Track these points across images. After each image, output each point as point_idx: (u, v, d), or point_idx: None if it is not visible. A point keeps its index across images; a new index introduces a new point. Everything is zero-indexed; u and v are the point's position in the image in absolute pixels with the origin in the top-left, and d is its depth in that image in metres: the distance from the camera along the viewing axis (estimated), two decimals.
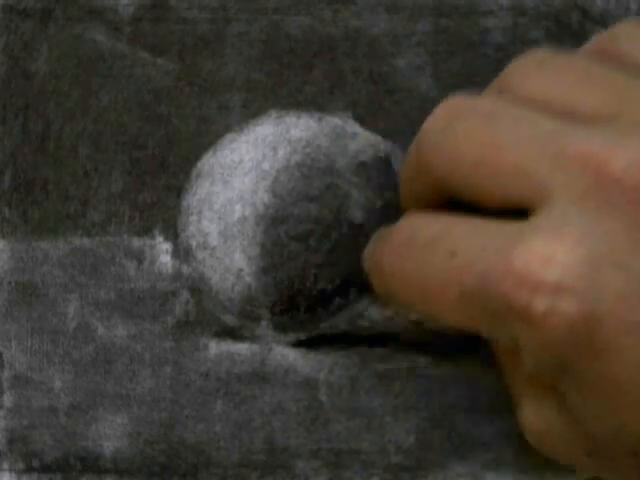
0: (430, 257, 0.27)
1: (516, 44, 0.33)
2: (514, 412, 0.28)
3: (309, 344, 0.32)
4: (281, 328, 0.32)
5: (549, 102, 0.27)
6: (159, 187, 0.32)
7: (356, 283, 0.32)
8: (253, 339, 0.32)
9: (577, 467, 0.28)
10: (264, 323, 0.32)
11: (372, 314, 0.32)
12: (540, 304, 0.24)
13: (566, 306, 0.24)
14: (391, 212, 0.32)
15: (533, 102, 0.27)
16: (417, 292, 0.27)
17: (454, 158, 0.27)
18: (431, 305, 0.27)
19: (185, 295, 0.32)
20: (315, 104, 0.32)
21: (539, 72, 0.27)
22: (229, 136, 0.32)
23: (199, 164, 0.32)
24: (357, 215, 0.31)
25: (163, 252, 0.32)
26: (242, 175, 0.32)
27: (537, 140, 0.26)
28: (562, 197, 0.25)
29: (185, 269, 0.32)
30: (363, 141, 0.32)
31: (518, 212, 0.26)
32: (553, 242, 0.24)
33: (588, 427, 0.26)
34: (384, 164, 0.32)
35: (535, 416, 0.27)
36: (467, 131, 0.26)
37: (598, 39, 0.29)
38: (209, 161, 0.32)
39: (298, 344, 0.32)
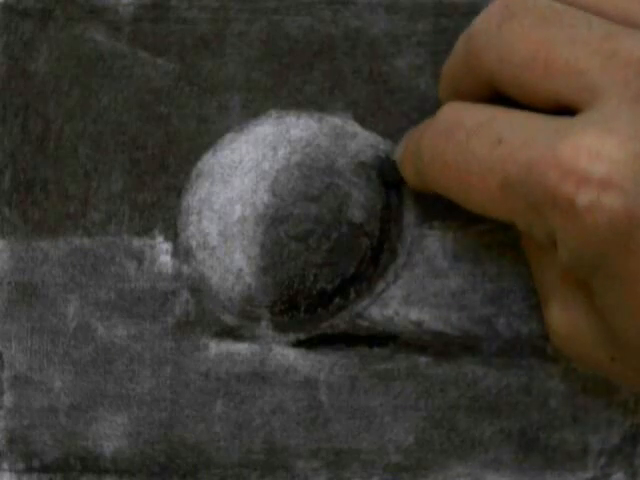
0: (474, 144, 0.27)
1: None
2: (542, 312, 0.28)
3: (309, 344, 0.32)
4: (281, 328, 0.32)
5: (603, 9, 0.27)
6: (159, 187, 0.32)
7: (356, 283, 0.32)
8: (253, 339, 0.32)
9: (598, 371, 0.28)
10: (264, 323, 0.32)
11: (372, 314, 0.32)
12: (584, 197, 0.24)
13: (610, 202, 0.24)
14: (391, 212, 0.32)
15: (587, 9, 0.27)
16: (457, 179, 0.27)
17: (506, 55, 0.27)
18: (470, 193, 0.27)
19: (185, 295, 0.32)
20: (315, 104, 0.32)
21: None
22: (229, 136, 0.32)
23: (199, 164, 0.32)
24: (357, 215, 0.31)
25: (163, 252, 0.32)
26: (242, 175, 0.32)
27: (591, 40, 0.26)
28: (614, 96, 0.25)
29: (185, 269, 0.32)
30: (363, 141, 0.32)
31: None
32: (602, 137, 0.24)
33: (615, 328, 0.26)
34: (384, 164, 0.32)
35: (563, 316, 0.27)
36: (521, 29, 0.26)
37: None
38: (209, 161, 0.32)
39: (298, 344, 0.32)
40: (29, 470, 0.32)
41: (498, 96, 0.28)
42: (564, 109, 0.26)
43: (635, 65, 0.25)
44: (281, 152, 0.32)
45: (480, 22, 0.28)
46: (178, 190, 0.32)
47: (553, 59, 0.26)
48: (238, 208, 0.31)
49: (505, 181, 0.26)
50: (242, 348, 0.32)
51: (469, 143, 0.27)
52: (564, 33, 0.26)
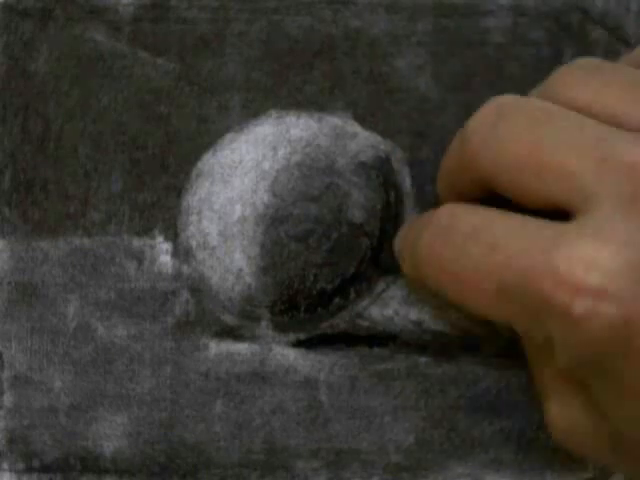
0: (470, 248, 0.27)
1: (516, 44, 0.33)
2: (541, 407, 0.28)
3: (309, 344, 0.32)
4: (281, 328, 0.32)
5: (595, 110, 0.27)
6: (159, 187, 0.32)
7: (356, 283, 0.32)
8: (253, 339, 0.32)
9: (600, 462, 0.29)
10: (264, 323, 0.32)
11: (372, 314, 0.32)
12: (581, 306, 0.24)
13: (606, 309, 0.24)
14: (391, 212, 0.32)
15: (579, 109, 0.27)
16: (453, 282, 0.27)
17: (500, 157, 0.27)
18: (466, 295, 0.27)
19: (185, 295, 0.32)
20: (315, 104, 0.32)
21: (586, 81, 0.28)
22: (229, 136, 0.32)
23: (199, 164, 0.32)
24: (357, 215, 0.31)
25: (163, 252, 0.32)
26: (242, 175, 0.32)
27: (583, 144, 0.26)
28: (607, 202, 0.25)
29: (185, 269, 0.32)
30: (363, 141, 0.32)
31: (557, 216, 0.26)
32: (597, 245, 0.25)
33: (615, 425, 0.26)
34: (384, 164, 0.32)
35: (562, 412, 0.28)
36: (514, 130, 0.27)
37: (638, 50, 0.29)
38: (209, 161, 0.32)
39: (298, 344, 0.32)
40: (29, 470, 0.32)
41: (495, 194, 0.28)
42: (559, 210, 0.26)
43: (626, 170, 0.25)
44: (281, 152, 0.32)
45: (473, 123, 0.28)
46: (178, 190, 0.32)
47: (545, 162, 0.26)
48: (238, 208, 0.31)
49: (501, 287, 0.26)
50: (242, 348, 0.32)
51: (465, 248, 0.27)
52: (556, 136, 0.26)
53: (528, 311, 0.26)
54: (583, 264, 0.24)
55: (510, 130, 0.27)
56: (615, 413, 0.26)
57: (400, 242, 0.30)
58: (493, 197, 0.28)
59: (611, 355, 0.25)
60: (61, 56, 0.32)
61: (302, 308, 0.32)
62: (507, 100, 0.27)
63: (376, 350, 0.32)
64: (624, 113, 0.27)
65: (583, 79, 0.28)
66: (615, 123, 0.27)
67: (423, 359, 0.32)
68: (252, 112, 0.32)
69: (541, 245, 0.25)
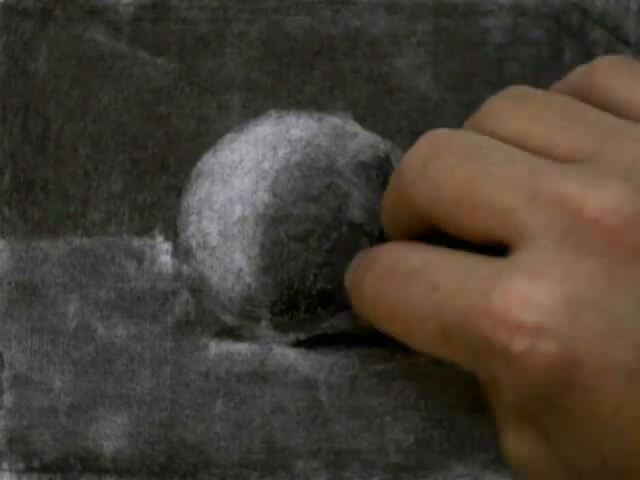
0: (411, 289, 0.27)
1: (516, 44, 0.33)
2: (498, 440, 0.28)
3: (309, 344, 0.32)
4: (281, 328, 0.32)
5: (526, 141, 0.27)
6: (159, 187, 0.32)
7: None
8: (253, 339, 0.32)
9: None
10: (264, 323, 0.32)
11: None
12: (520, 345, 0.24)
13: (546, 347, 0.24)
14: None
15: (510, 141, 0.27)
16: (397, 322, 0.28)
17: (434, 194, 0.27)
18: (411, 336, 0.27)
19: (185, 295, 0.32)
20: (315, 104, 0.32)
21: (516, 111, 0.28)
22: (229, 136, 0.32)
23: (199, 164, 0.32)
24: (357, 215, 0.31)
25: (163, 252, 0.32)
26: (242, 175, 0.32)
27: (514, 178, 0.26)
28: (541, 237, 0.25)
29: (185, 269, 0.32)
30: (363, 141, 0.32)
31: (501, 248, 0.26)
32: (532, 283, 0.25)
33: (570, 459, 0.26)
34: (384, 164, 0.32)
35: (518, 446, 0.28)
36: (446, 167, 0.27)
37: (575, 74, 0.29)
38: (209, 161, 0.32)
39: (298, 344, 0.32)
40: (29, 470, 0.32)
41: (436, 229, 0.28)
42: (497, 244, 0.26)
43: (558, 203, 0.25)
44: (281, 152, 0.32)
45: (407, 159, 0.28)
46: (178, 190, 0.32)
47: (479, 198, 0.26)
48: (238, 208, 0.31)
49: (443, 327, 0.26)
50: (242, 348, 0.32)
51: (406, 289, 0.27)
52: (488, 170, 0.26)
53: (470, 351, 0.26)
54: (519, 302, 0.24)
55: (443, 166, 0.27)
56: (567, 447, 0.26)
57: (348, 283, 0.30)
58: (438, 231, 0.28)
59: (555, 392, 0.25)
60: (61, 56, 0.32)
61: (302, 308, 0.32)
62: (440, 134, 0.27)
63: (376, 350, 0.32)
64: (555, 144, 0.27)
65: (513, 110, 0.28)
66: (547, 154, 0.26)
67: (423, 359, 0.32)
68: (252, 112, 0.32)
69: (478, 284, 0.25)
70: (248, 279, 0.31)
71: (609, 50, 0.33)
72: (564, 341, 0.24)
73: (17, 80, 0.32)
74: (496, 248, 0.26)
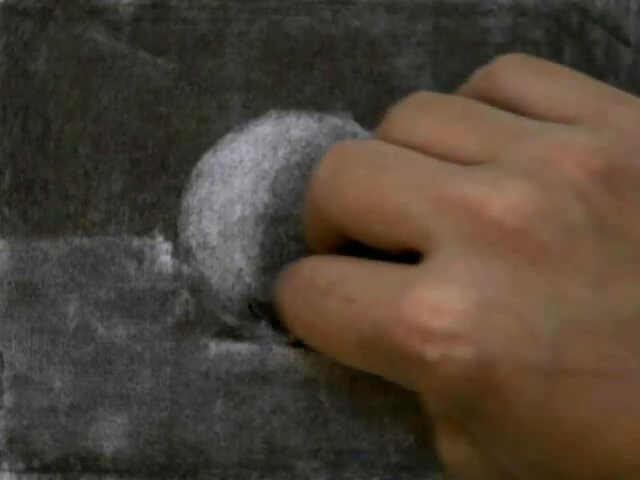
0: (327, 303, 0.27)
1: (516, 44, 0.33)
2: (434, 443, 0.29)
3: None
4: (281, 328, 0.32)
5: (429, 146, 0.27)
6: (159, 187, 0.32)
7: None
8: (253, 339, 0.32)
9: None
10: (264, 323, 0.32)
11: None
12: (433, 352, 0.24)
13: (459, 352, 0.24)
14: None
15: (414, 146, 0.27)
16: (317, 336, 0.28)
17: (341, 205, 0.27)
18: (331, 349, 0.28)
19: (185, 295, 0.32)
20: (315, 104, 0.32)
21: (419, 116, 0.28)
22: (229, 136, 0.32)
23: (199, 164, 0.32)
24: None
25: (163, 252, 0.32)
26: (242, 175, 0.32)
27: (419, 184, 0.26)
28: (447, 241, 0.25)
29: (185, 269, 0.32)
30: None
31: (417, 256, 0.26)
32: (441, 289, 0.25)
33: (498, 461, 0.26)
34: None
35: (451, 449, 0.28)
36: (352, 177, 0.27)
37: (476, 76, 0.29)
38: (209, 161, 0.32)
39: (298, 344, 0.32)
40: (29, 470, 0.32)
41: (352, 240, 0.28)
42: (411, 252, 0.26)
43: (462, 207, 0.25)
44: (281, 152, 0.32)
45: (317, 172, 0.28)
46: (178, 190, 0.32)
47: (386, 207, 0.26)
48: (238, 208, 0.31)
49: (360, 340, 0.26)
50: (242, 348, 0.32)
51: (323, 303, 0.27)
52: (392, 178, 0.26)
53: (388, 362, 0.26)
54: (429, 309, 0.24)
55: (349, 178, 0.27)
56: (495, 451, 0.26)
57: (274, 294, 0.31)
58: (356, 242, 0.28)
59: (473, 396, 0.25)
60: (61, 56, 0.32)
61: None
62: (346, 146, 0.28)
63: None
64: (458, 146, 0.27)
65: (415, 116, 0.28)
66: (451, 158, 0.26)
67: None
68: (252, 112, 0.32)
69: (391, 292, 0.25)
70: (248, 279, 0.31)
71: (609, 50, 0.33)
72: (477, 345, 0.24)
73: (17, 80, 0.32)
74: (415, 256, 0.26)
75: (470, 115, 0.27)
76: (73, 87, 0.32)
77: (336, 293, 0.27)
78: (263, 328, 0.32)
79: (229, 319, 0.32)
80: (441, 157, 0.27)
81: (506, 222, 0.25)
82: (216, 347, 0.32)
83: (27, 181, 0.32)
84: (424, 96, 0.28)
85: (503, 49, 0.33)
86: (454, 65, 0.33)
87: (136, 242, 0.32)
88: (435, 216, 0.25)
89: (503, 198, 0.25)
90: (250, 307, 0.32)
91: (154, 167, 0.32)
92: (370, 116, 0.32)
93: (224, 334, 0.32)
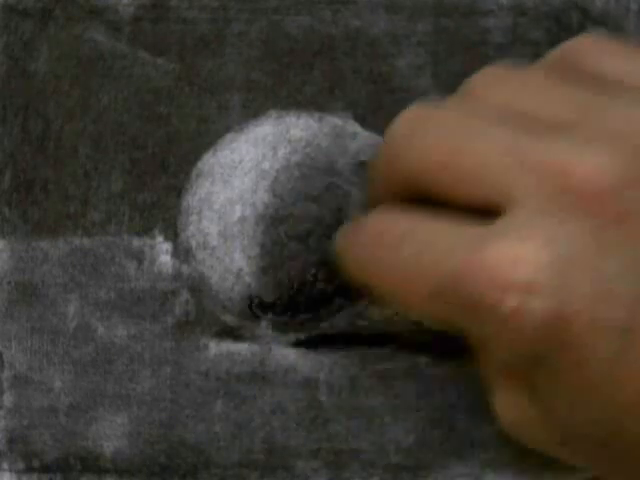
0: (400, 252, 0.27)
1: (516, 44, 0.33)
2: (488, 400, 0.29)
3: (309, 344, 0.32)
4: (281, 328, 0.32)
5: (511, 113, 0.27)
6: (159, 187, 0.32)
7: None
8: (253, 339, 0.32)
9: (549, 454, 0.29)
10: (264, 323, 0.32)
11: (372, 314, 0.32)
12: (510, 303, 0.25)
13: (536, 305, 0.25)
14: None
15: (497, 110, 0.27)
16: (387, 286, 0.28)
17: (422, 159, 0.27)
18: (401, 300, 0.28)
19: (185, 295, 0.32)
20: (315, 104, 0.32)
21: (501, 84, 0.28)
22: (229, 136, 0.32)
23: (199, 164, 0.32)
24: (357, 215, 0.31)
25: (163, 252, 0.32)
26: (242, 175, 0.32)
27: (501, 144, 0.26)
28: (528, 199, 0.25)
29: (185, 269, 0.32)
30: (363, 141, 0.32)
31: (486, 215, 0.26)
32: (521, 243, 0.25)
33: (560, 418, 0.26)
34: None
35: (508, 406, 0.28)
36: (434, 135, 0.27)
37: (555, 52, 0.29)
38: (209, 161, 0.32)
39: (298, 344, 0.32)
40: (29, 470, 0.32)
41: (422, 196, 0.28)
42: (487, 209, 0.26)
43: (545, 169, 0.25)
44: (281, 152, 0.32)
45: (395, 127, 0.28)
46: (178, 190, 0.32)
47: (466, 165, 0.26)
48: (238, 208, 0.31)
49: (432, 289, 0.26)
50: (242, 348, 0.32)
51: (395, 252, 0.27)
52: (476, 137, 0.26)
53: (461, 312, 0.26)
54: (510, 261, 0.25)
55: (432, 133, 0.27)
56: (556, 406, 0.26)
57: (337, 248, 0.31)
58: (425, 198, 0.28)
59: (544, 350, 0.25)
60: (61, 56, 0.32)
61: (302, 308, 0.32)
62: (425, 106, 0.28)
63: (376, 350, 0.32)
64: (539, 114, 0.27)
65: (497, 84, 0.28)
66: (532, 121, 0.27)
67: (423, 359, 0.32)
68: (252, 112, 0.32)
69: (468, 245, 0.26)
70: (248, 279, 0.31)
71: None
72: (554, 299, 0.25)
73: (17, 80, 0.32)
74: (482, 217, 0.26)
75: (550, 85, 0.28)
76: (73, 87, 0.32)
77: (409, 242, 0.27)
78: (263, 328, 0.32)
79: (229, 319, 0.32)
80: (521, 124, 0.27)
81: (590, 185, 0.25)
82: (216, 347, 0.32)
83: (27, 181, 0.32)
84: (505, 66, 0.29)
85: (503, 49, 0.33)
86: (454, 65, 0.33)
87: (136, 242, 0.32)
88: (518, 174, 0.26)
89: (589, 162, 0.25)
90: (250, 307, 0.32)
91: (154, 167, 0.32)
92: (370, 116, 0.32)
93: (224, 334, 0.32)
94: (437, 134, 0.27)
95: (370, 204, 0.30)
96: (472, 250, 0.25)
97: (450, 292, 0.26)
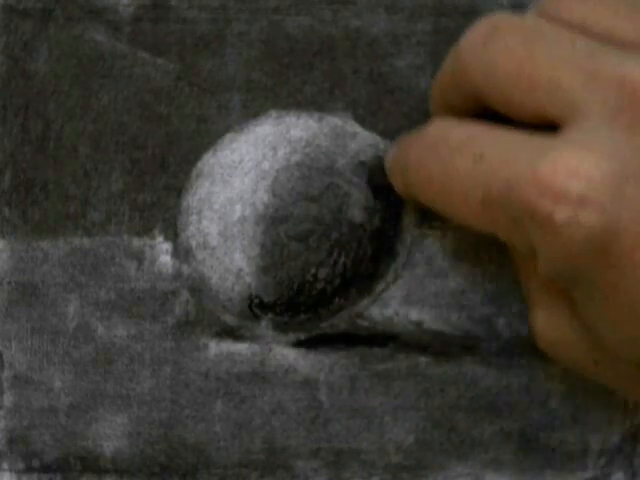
0: (457, 160, 0.27)
1: None
2: (527, 317, 0.29)
3: (309, 344, 0.32)
4: (281, 328, 0.32)
5: (588, 27, 0.27)
6: (159, 187, 0.32)
7: (356, 283, 0.32)
8: (253, 339, 0.32)
9: (583, 374, 0.29)
10: (264, 323, 0.32)
11: (372, 314, 0.32)
12: (562, 213, 0.25)
13: (587, 218, 0.25)
14: (391, 212, 0.32)
15: (572, 27, 0.27)
16: (441, 193, 0.28)
17: (491, 70, 0.27)
18: (453, 207, 0.28)
19: (185, 295, 0.32)
20: (315, 104, 0.32)
21: (577, 1, 0.28)
22: (229, 136, 0.32)
23: (199, 164, 0.32)
24: (357, 215, 0.31)
25: (163, 252, 0.32)
26: (242, 175, 0.32)
27: (574, 59, 0.26)
28: (595, 114, 0.25)
29: (185, 269, 0.32)
30: (363, 141, 0.32)
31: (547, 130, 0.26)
32: (582, 155, 0.25)
33: (598, 336, 0.27)
34: (384, 164, 0.32)
35: (547, 322, 0.28)
36: (506, 46, 0.27)
37: None
38: (209, 161, 0.32)
39: (298, 344, 0.32)
40: (29, 470, 0.32)
41: (486, 110, 0.28)
42: (548, 124, 0.26)
43: (615, 83, 0.25)
44: (281, 152, 0.32)
45: (467, 39, 0.28)
46: (178, 190, 0.32)
47: (536, 76, 0.26)
48: (238, 208, 0.31)
49: (486, 197, 0.26)
50: (242, 348, 0.32)
51: (452, 159, 0.27)
52: (548, 51, 0.27)
53: (511, 220, 0.26)
54: (566, 172, 0.25)
55: (502, 46, 0.27)
56: (598, 325, 0.26)
57: (391, 159, 0.31)
58: (484, 114, 0.28)
59: (591, 263, 0.25)
60: (61, 56, 0.32)
61: (302, 308, 0.32)
62: (500, 17, 0.28)
63: (376, 350, 0.32)
64: (617, 30, 0.27)
65: None
66: (607, 39, 0.27)
67: (423, 359, 0.32)
68: (252, 112, 0.32)
69: (526, 155, 0.26)
70: (248, 279, 0.31)
71: None
72: (606, 214, 0.25)
73: (17, 80, 0.32)
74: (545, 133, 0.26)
75: (626, 4, 0.28)
76: (73, 87, 0.32)
77: (467, 150, 0.27)
78: (263, 328, 0.32)
79: (229, 319, 0.32)
80: (598, 39, 0.27)
81: None
82: (216, 347, 0.32)
83: (27, 181, 0.32)
84: None
85: None
86: None
87: (136, 242, 0.32)
88: (585, 89, 0.26)
89: None
90: (250, 307, 0.32)
91: (154, 167, 0.32)
92: (370, 116, 0.32)
93: (224, 334, 0.32)
94: (512, 42, 0.27)
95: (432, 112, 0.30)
96: (529, 160, 0.25)
97: (502, 201, 0.26)
